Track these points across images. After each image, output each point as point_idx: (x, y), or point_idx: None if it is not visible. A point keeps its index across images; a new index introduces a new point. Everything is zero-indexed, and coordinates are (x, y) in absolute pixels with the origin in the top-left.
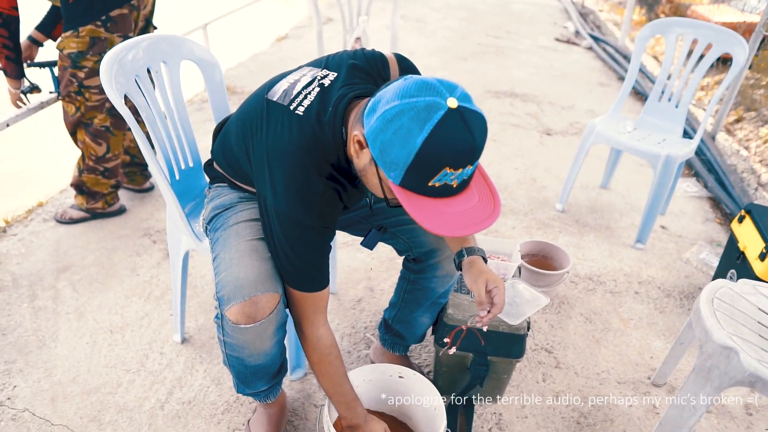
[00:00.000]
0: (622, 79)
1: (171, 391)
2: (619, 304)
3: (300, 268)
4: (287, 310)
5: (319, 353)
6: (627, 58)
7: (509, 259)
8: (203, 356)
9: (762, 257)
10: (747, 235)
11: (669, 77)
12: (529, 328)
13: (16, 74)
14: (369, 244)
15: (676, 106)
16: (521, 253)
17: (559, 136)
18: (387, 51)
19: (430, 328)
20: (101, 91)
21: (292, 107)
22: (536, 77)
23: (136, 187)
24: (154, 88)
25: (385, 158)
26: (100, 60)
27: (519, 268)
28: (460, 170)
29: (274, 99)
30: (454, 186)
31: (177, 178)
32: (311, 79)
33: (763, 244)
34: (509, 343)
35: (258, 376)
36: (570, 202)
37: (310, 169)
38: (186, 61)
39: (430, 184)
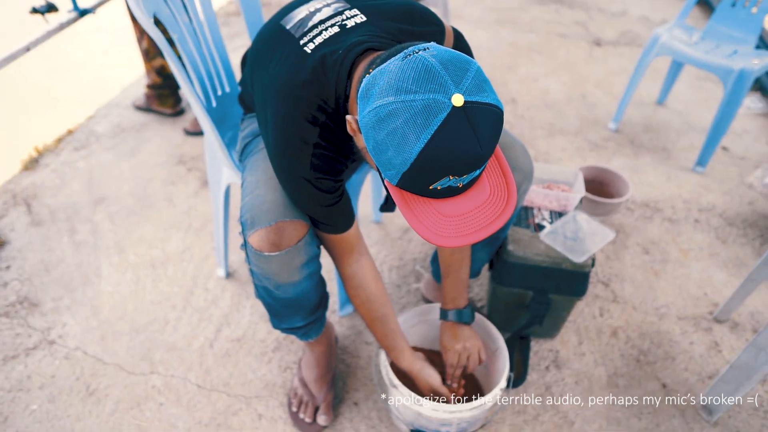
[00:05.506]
0: None
1: (219, 328)
2: (678, 233)
3: (307, 212)
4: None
5: (349, 292)
6: None
7: (571, 189)
8: (249, 291)
9: None
10: None
11: None
12: (593, 265)
13: None
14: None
15: (753, 12)
16: None
17: (609, 46)
18: (447, 21)
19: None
20: None
21: (302, 42)
22: None
23: (167, 110)
24: (182, 3)
25: (380, 158)
26: None
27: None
28: (465, 176)
29: (287, 27)
30: (460, 187)
31: (213, 104)
32: (333, 13)
33: None
34: (572, 281)
35: (291, 311)
36: (623, 120)
37: (305, 115)
38: None
39: (431, 187)
